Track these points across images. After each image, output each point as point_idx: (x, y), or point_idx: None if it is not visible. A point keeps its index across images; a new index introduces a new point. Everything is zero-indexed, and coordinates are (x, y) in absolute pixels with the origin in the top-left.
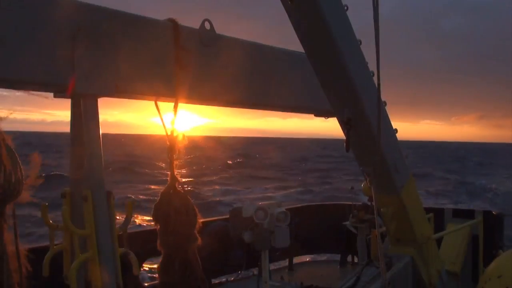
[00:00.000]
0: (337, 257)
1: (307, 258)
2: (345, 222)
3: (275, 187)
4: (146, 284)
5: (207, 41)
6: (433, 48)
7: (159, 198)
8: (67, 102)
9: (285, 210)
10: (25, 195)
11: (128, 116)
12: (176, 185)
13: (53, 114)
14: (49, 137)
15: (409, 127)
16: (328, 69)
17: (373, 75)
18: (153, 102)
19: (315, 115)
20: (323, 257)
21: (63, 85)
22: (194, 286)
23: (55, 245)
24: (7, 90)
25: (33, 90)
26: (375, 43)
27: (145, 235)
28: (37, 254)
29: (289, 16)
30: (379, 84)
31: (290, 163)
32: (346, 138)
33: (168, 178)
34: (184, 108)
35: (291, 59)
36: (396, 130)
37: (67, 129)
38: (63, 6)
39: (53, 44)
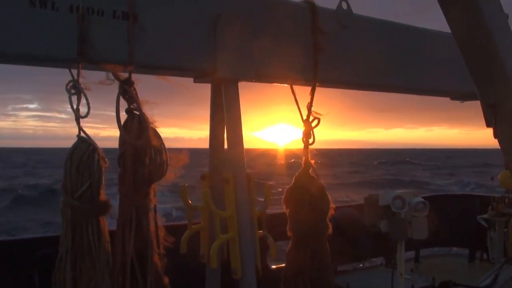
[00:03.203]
0: (463, 251)
1: (432, 250)
2: (480, 215)
3: None
4: (273, 267)
5: (345, 21)
6: None
7: (292, 182)
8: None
9: (424, 200)
10: (170, 176)
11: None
12: (310, 171)
13: None
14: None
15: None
16: (476, 48)
17: None
18: (255, 122)
19: (451, 99)
20: (448, 250)
21: (204, 70)
22: (322, 276)
23: (193, 224)
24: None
25: (174, 75)
26: None
27: (271, 219)
28: (175, 232)
29: None
30: None
31: None
32: (494, 124)
33: (302, 163)
34: (282, 121)
35: (428, 39)
36: None
37: None
38: None
39: (194, 30)
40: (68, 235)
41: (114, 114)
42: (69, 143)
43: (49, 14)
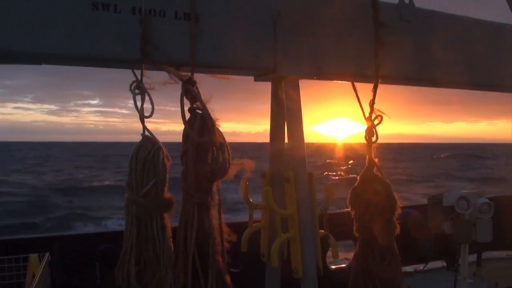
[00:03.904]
0: None
1: (494, 253)
2: None
3: None
4: (333, 267)
5: (407, 15)
6: None
7: (357, 181)
8: None
9: (489, 201)
10: (232, 174)
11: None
12: (375, 169)
13: None
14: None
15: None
16: None
17: None
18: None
19: None
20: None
21: (264, 68)
22: (392, 277)
23: (253, 222)
24: None
25: (235, 74)
26: None
27: (332, 218)
28: (235, 230)
29: None
30: None
31: None
32: None
33: (366, 162)
34: (340, 115)
35: (492, 32)
36: None
37: None
38: None
39: (255, 29)
40: (132, 230)
41: (174, 109)
42: (130, 137)
43: (112, 16)
